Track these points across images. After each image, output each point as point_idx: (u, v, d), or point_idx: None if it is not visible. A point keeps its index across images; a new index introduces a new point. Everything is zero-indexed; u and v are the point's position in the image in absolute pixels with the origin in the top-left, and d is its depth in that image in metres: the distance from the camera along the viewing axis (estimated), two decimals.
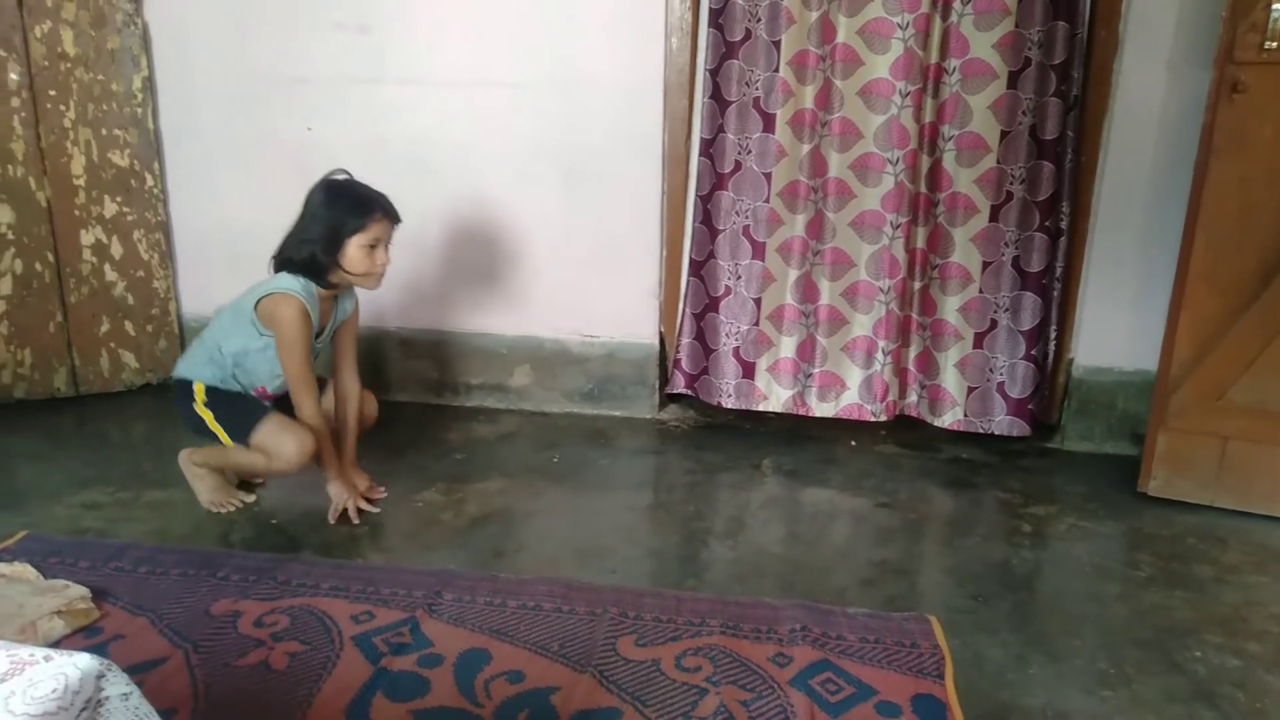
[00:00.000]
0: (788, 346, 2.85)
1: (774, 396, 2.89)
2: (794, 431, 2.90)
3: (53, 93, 2.81)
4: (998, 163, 2.63)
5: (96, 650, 1.25)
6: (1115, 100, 2.53)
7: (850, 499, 2.45)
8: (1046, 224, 2.64)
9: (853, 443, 2.82)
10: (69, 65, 2.81)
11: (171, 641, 1.72)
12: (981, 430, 2.78)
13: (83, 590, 1.81)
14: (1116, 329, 2.68)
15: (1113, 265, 2.64)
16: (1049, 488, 2.54)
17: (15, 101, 2.77)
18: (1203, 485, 2.38)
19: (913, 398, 2.86)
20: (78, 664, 0.86)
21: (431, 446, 2.74)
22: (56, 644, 1.69)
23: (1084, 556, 2.16)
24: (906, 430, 2.90)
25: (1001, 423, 2.76)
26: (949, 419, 2.82)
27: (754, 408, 2.90)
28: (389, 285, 2.99)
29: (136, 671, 1.60)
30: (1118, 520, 2.34)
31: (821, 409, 2.86)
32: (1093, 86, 2.55)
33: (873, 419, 2.83)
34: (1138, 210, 2.58)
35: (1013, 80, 2.57)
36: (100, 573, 1.95)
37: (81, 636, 1.72)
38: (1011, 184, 2.64)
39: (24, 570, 1.89)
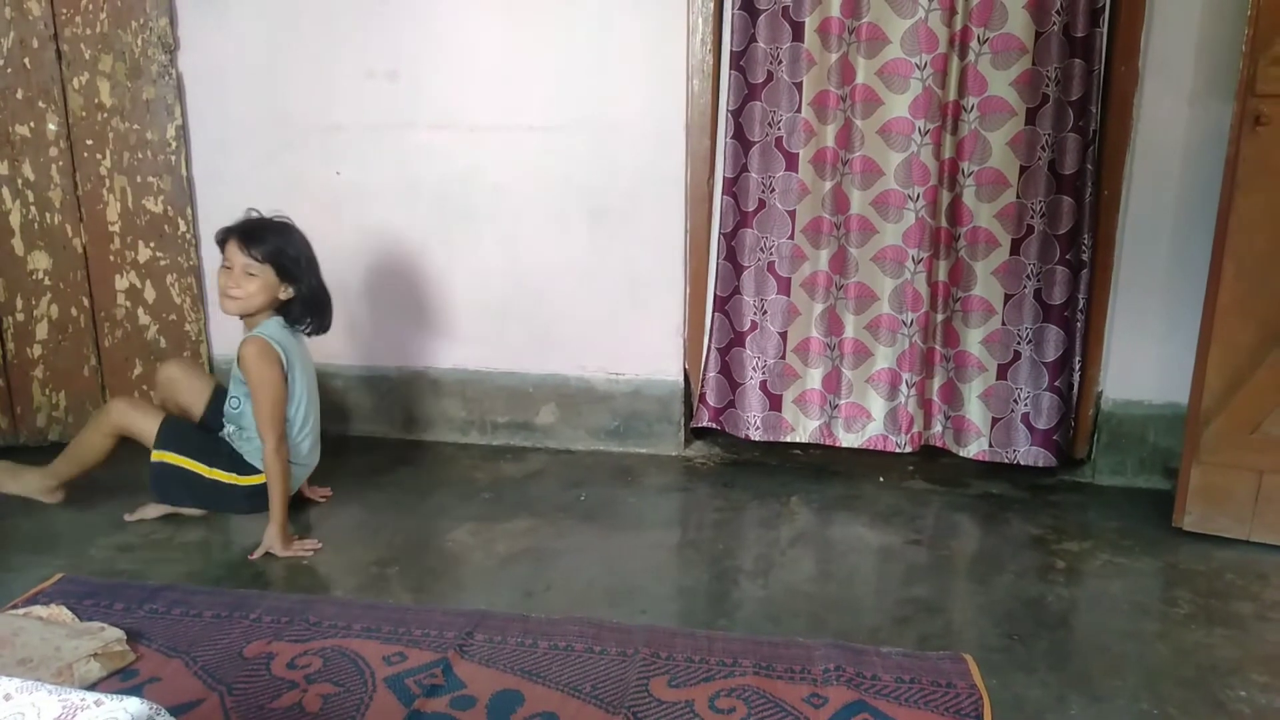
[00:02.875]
0: (814, 378, 2.86)
1: (801, 427, 2.89)
2: (821, 468, 2.88)
3: (90, 142, 2.88)
4: (1018, 197, 2.64)
5: (132, 693, 1.25)
6: (1137, 134, 2.54)
7: (880, 535, 2.44)
8: (1068, 257, 2.65)
9: (880, 479, 2.80)
10: (105, 115, 2.88)
11: (206, 684, 1.72)
12: (1007, 460, 2.77)
13: (118, 633, 1.82)
14: (1145, 361, 2.66)
15: (1140, 297, 2.63)
16: (1082, 523, 2.51)
17: (54, 151, 2.84)
18: (1239, 520, 2.35)
19: (937, 428, 2.85)
20: (128, 708, 0.86)
21: (460, 485, 2.75)
22: (93, 687, 1.70)
23: (1120, 593, 2.13)
24: (934, 466, 2.88)
25: (1026, 453, 2.75)
26: (974, 449, 2.81)
27: (782, 439, 2.90)
28: (419, 325, 3.05)
29: (174, 714, 1.60)
30: (1153, 556, 2.31)
31: (848, 439, 2.86)
32: (1114, 121, 2.56)
33: (898, 450, 2.82)
34: (1163, 242, 2.58)
35: (1031, 117, 2.59)
36: (135, 615, 1.96)
37: (117, 679, 1.73)
38: (1032, 218, 2.65)
39: (60, 613, 1.91)
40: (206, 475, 2.32)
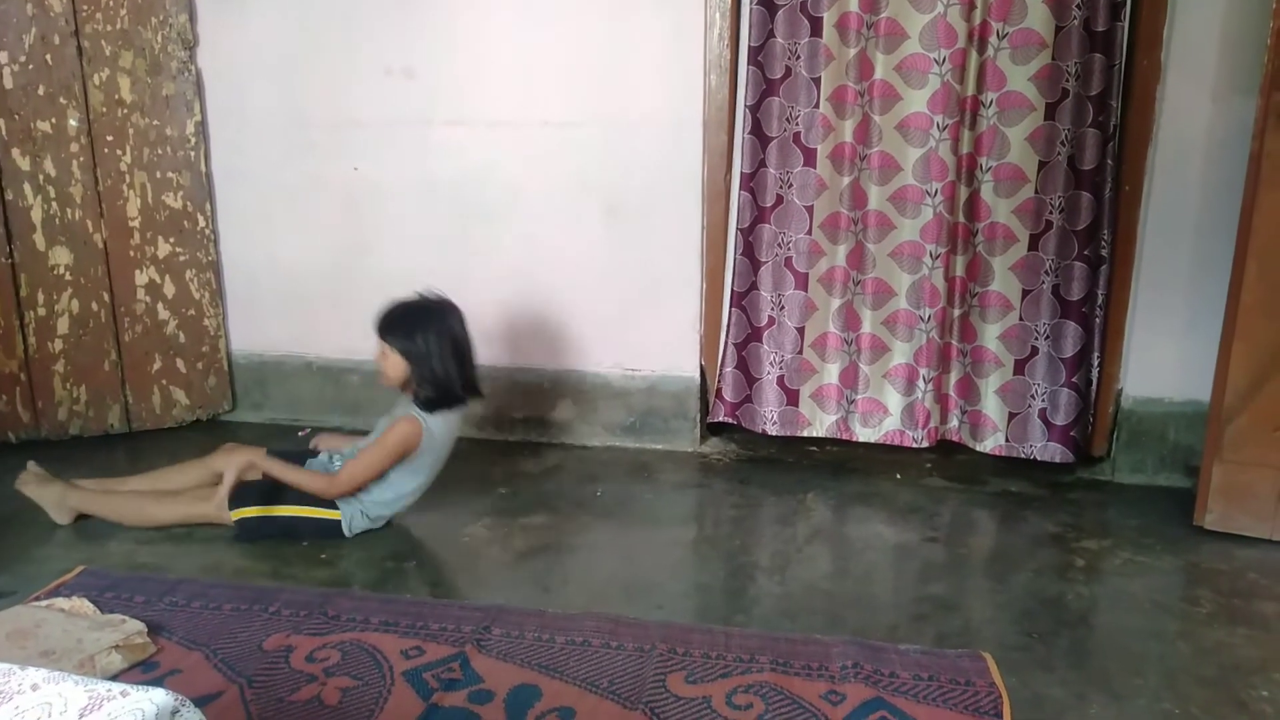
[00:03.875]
0: (831, 373, 2.86)
1: (818, 422, 2.89)
2: (837, 465, 2.88)
3: (110, 138, 2.90)
4: (1036, 193, 2.63)
5: (154, 685, 1.26)
6: (1159, 128, 2.51)
7: (898, 533, 2.43)
8: (1086, 252, 2.63)
9: (898, 476, 2.79)
10: (126, 111, 2.90)
11: (226, 676, 1.74)
12: (1023, 455, 2.76)
13: (139, 625, 1.84)
14: (1166, 359, 2.64)
15: (1161, 294, 2.60)
16: (1101, 521, 2.49)
17: (74, 147, 2.86)
18: (1261, 519, 2.32)
19: (954, 423, 2.84)
20: (154, 699, 0.87)
21: (476, 481, 2.75)
22: (114, 678, 1.71)
23: (1141, 592, 2.11)
24: (952, 463, 2.87)
25: (1043, 449, 2.74)
26: (990, 444, 2.80)
27: (799, 434, 2.90)
28: None
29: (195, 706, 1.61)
30: (1174, 555, 2.29)
31: (864, 434, 2.86)
32: (1136, 115, 2.53)
33: (914, 445, 2.82)
34: (1185, 238, 2.56)
35: (1050, 112, 2.57)
36: (155, 608, 1.98)
37: (138, 671, 1.75)
38: (1050, 213, 2.63)
39: (82, 605, 1.93)
40: (280, 514, 2.34)
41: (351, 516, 2.34)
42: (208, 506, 2.33)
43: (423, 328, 2.34)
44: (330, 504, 2.34)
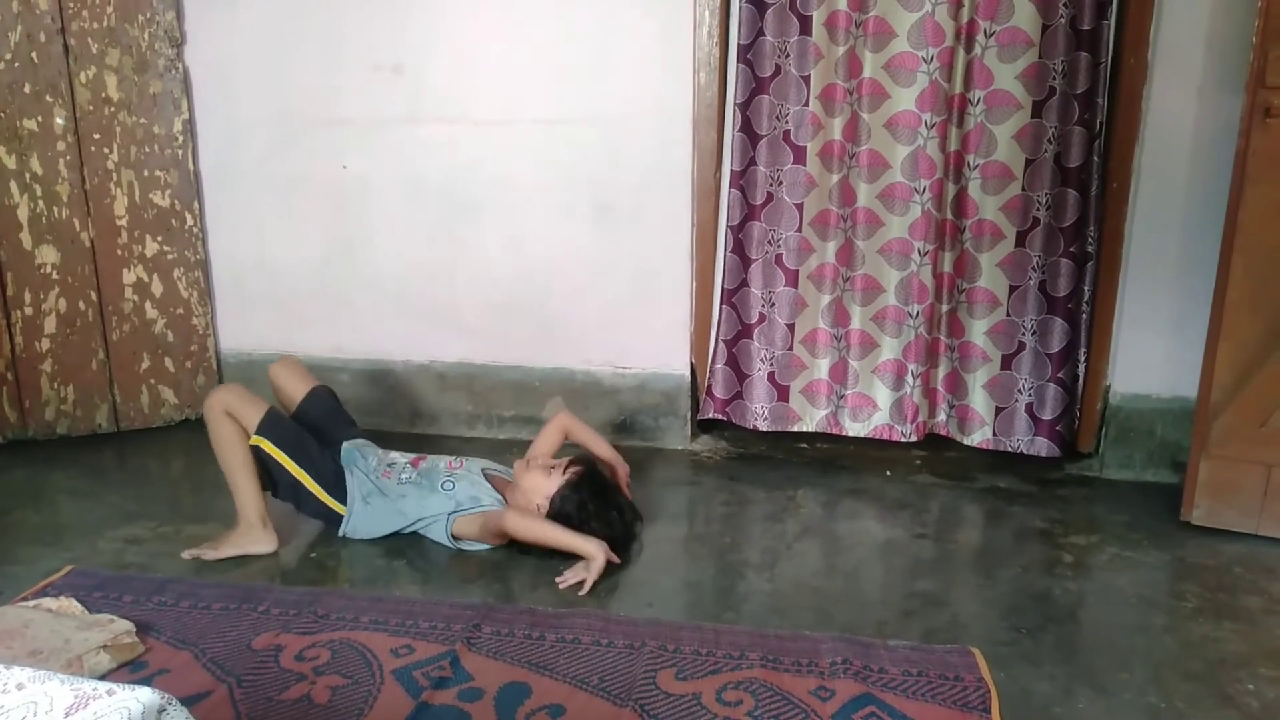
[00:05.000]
0: (821, 369, 2.87)
1: (808, 417, 2.91)
2: (827, 462, 2.88)
3: (97, 136, 2.88)
4: (1023, 190, 2.64)
5: (142, 684, 1.26)
6: (1146, 126, 2.52)
7: (887, 529, 2.44)
8: (1072, 249, 2.65)
9: (887, 473, 2.80)
10: (113, 109, 2.88)
11: (215, 676, 1.73)
12: (1010, 449, 2.79)
13: (127, 625, 1.83)
14: (1153, 355, 2.65)
15: (1148, 291, 2.62)
16: (1089, 517, 2.51)
17: (61, 145, 2.85)
18: (1247, 514, 2.34)
19: (941, 417, 2.87)
20: (139, 698, 0.87)
21: None
22: (103, 678, 1.71)
23: (1128, 587, 2.12)
24: (941, 460, 2.88)
25: (1030, 443, 2.77)
26: (978, 438, 2.82)
27: (789, 429, 2.91)
28: (424, 319, 3.06)
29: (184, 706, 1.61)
30: (1161, 550, 2.30)
31: (854, 428, 2.88)
32: (1123, 113, 2.55)
33: (903, 439, 2.83)
34: (1172, 235, 2.57)
35: (1037, 110, 2.59)
36: (144, 607, 1.97)
37: (127, 671, 1.74)
38: (1037, 210, 2.65)
39: (70, 605, 1.92)
40: (292, 472, 2.29)
41: (355, 524, 2.32)
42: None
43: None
44: (342, 498, 2.31)
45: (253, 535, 2.25)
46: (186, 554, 2.23)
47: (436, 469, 2.38)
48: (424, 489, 2.33)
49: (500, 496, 2.32)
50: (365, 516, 2.32)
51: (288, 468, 2.28)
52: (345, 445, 2.40)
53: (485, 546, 2.29)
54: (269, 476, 2.30)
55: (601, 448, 2.53)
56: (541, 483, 2.29)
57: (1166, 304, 2.61)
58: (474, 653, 1.81)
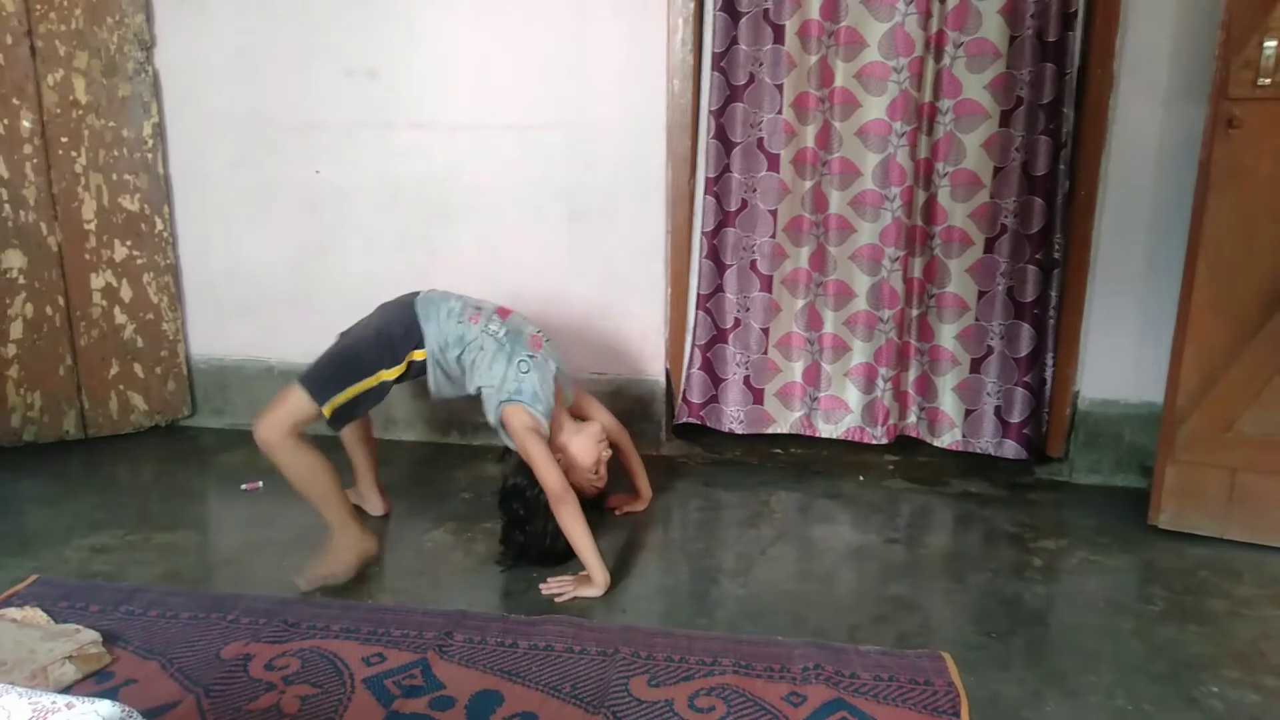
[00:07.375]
0: (794, 372, 2.90)
1: (782, 419, 2.93)
2: (801, 467, 2.90)
3: (64, 139, 2.85)
4: (991, 197, 2.68)
5: (108, 695, 1.24)
6: (1112, 136, 2.56)
7: (860, 535, 2.45)
8: (1038, 256, 2.69)
9: (860, 477, 2.82)
10: (81, 113, 2.85)
11: (183, 686, 1.71)
12: (979, 451, 2.83)
13: (94, 635, 1.81)
14: (1122, 361, 2.69)
15: (1116, 297, 2.65)
16: (1058, 521, 2.53)
17: (28, 148, 2.81)
18: (1213, 518, 2.37)
19: (912, 419, 2.90)
20: (99, 711, 0.86)
21: (439, 486, 2.74)
22: (68, 689, 1.69)
23: (1096, 591, 2.15)
24: (914, 465, 2.90)
25: (998, 445, 2.82)
26: (947, 439, 2.86)
27: (764, 431, 2.93)
28: None
29: (150, 717, 1.59)
30: (1129, 553, 2.33)
31: (826, 430, 2.91)
32: (1089, 123, 2.58)
33: (874, 441, 2.86)
34: (1139, 243, 2.61)
35: (1004, 119, 2.62)
36: (111, 617, 1.94)
37: (93, 682, 1.72)
38: (1005, 218, 2.69)
39: (35, 615, 1.89)
40: (373, 384, 2.21)
41: (438, 384, 2.31)
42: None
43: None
44: (398, 362, 2.24)
45: (355, 538, 2.17)
46: (303, 584, 2.10)
47: (520, 337, 2.28)
48: (501, 354, 2.25)
49: (552, 409, 2.26)
50: (443, 376, 2.30)
51: (368, 385, 2.20)
52: (420, 296, 2.32)
53: (512, 444, 2.24)
54: (364, 403, 2.22)
55: (643, 480, 2.60)
56: (587, 456, 2.33)
57: (1134, 310, 2.65)
58: (446, 661, 1.80)
